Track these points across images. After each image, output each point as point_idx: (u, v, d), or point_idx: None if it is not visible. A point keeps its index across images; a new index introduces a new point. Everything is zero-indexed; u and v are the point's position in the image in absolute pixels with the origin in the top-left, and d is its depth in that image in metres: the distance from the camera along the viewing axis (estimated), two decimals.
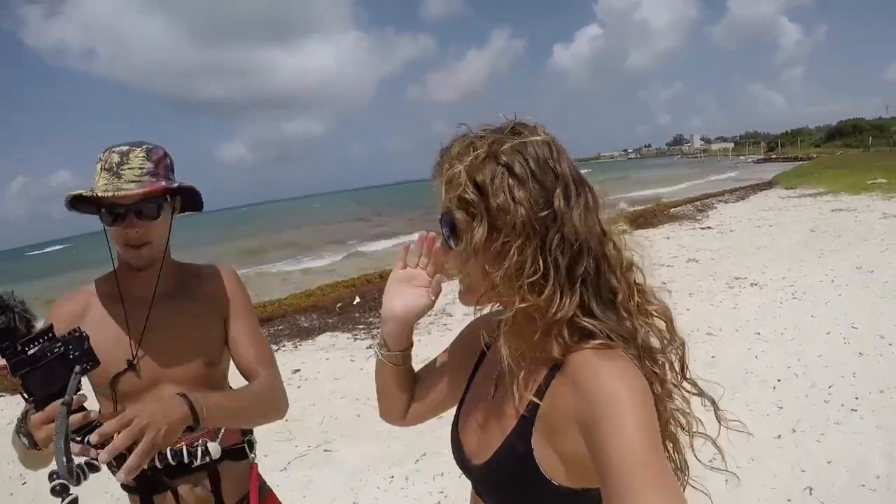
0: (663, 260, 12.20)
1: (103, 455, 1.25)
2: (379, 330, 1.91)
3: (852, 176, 26.45)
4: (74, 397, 1.25)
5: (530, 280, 0.98)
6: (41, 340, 1.28)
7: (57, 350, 1.28)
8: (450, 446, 1.30)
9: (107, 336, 1.70)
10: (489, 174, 0.98)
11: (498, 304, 1.12)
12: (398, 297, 1.25)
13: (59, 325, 1.37)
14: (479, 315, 1.25)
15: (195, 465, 1.71)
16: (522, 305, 1.00)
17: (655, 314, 1.05)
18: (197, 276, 1.90)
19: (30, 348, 1.27)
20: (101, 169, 1.62)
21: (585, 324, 1.01)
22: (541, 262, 0.97)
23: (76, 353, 1.30)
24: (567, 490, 1.01)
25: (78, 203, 1.64)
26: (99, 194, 1.56)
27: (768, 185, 29.85)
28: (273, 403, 1.81)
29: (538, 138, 1.01)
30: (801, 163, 51.36)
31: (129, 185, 1.60)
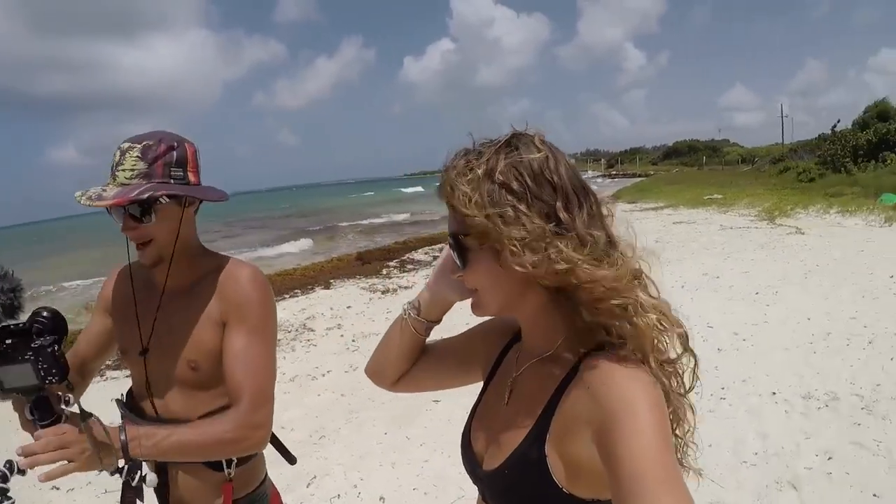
0: None
1: (23, 463, 1.42)
2: None
3: (690, 192, 28.92)
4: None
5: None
6: (16, 338, 1.41)
7: (27, 357, 1.40)
8: (460, 452, 1.32)
9: (123, 323, 1.88)
10: (487, 194, 1.00)
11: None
12: (446, 275, 1.32)
13: (100, 301, 1.97)
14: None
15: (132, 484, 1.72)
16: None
17: (665, 325, 1.04)
18: (215, 272, 1.83)
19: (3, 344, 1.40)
20: (110, 167, 1.67)
21: (598, 331, 1.05)
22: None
23: (44, 365, 1.41)
24: (578, 500, 1.03)
25: None
26: (81, 201, 1.59)
27: (612, 199, 31.91)
28: (235, 445, 1.68)
29: (534, 153, 1.03)
30: (640, 179, 55.35)
31: (113, 190, 1.61)
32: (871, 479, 4.05)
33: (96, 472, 1.52)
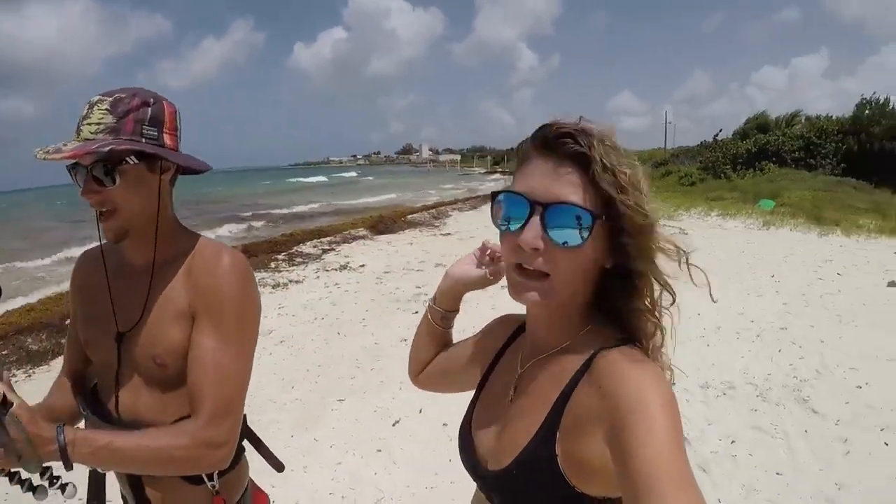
0: (412, 265, 12.90)
1: None
2: None
3: None
4: None
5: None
6: None
7: None
8: (458, 449, 1.31)
9: (92, 307, 1.67)
10: (627, 175, 1.03)
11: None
12: (462, 263, 1.46)
13: (72, 293, 1.75)
14: (505, 315, 1.42)
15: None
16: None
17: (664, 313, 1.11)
18: (189, 253, 1.62)
19: None
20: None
21: (610, 321, 1.12)
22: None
23: None
24: (589, 498, 1.03)
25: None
26: (37, 156, 1.41)
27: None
28: (186, 464, 1.48)
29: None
30: None
31: (71, 145, 1.43)
32: (772, 459, 4.41)
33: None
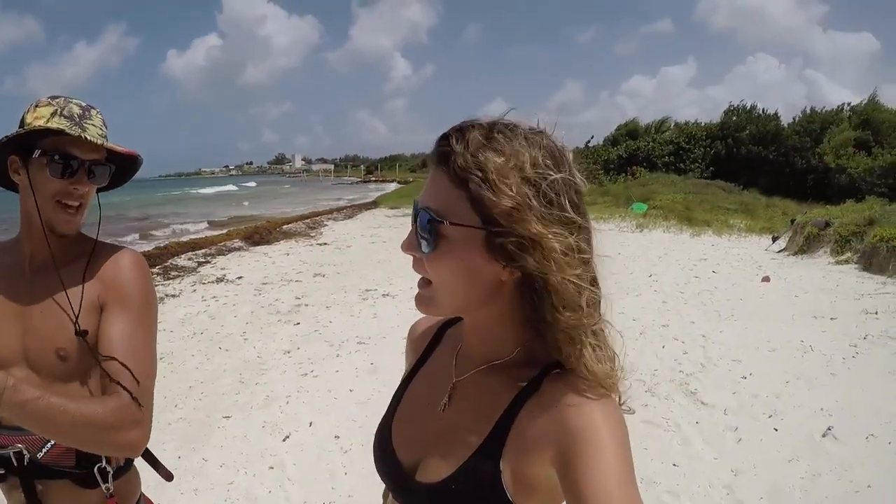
0: (290, 276, 12.79)
1: None
2: None
3: None
4: None
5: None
6: None
7: None
8: (375, 458, 1.23)
9: None
10: (519, 181, 0.96)
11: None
12: None
13: None
14: (419, 318, 1.33)
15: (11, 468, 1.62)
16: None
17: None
18: (91, 252, 1.71)
19: None
20: (57, 115, 1.59)
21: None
22: None
23: None
24: None
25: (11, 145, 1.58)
26: (86, 137, 1.55)
27: (373, 204, 33.34)
28: (108, 434, 1.49)
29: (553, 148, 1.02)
30: (399, 185, 57.10)
31: (99, 140, 1.58)
32: (667, 451, 4.54)
33: None
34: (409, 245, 1.03)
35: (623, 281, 10.46)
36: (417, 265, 1.03)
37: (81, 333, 1.60)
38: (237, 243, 18.11)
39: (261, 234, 19.53)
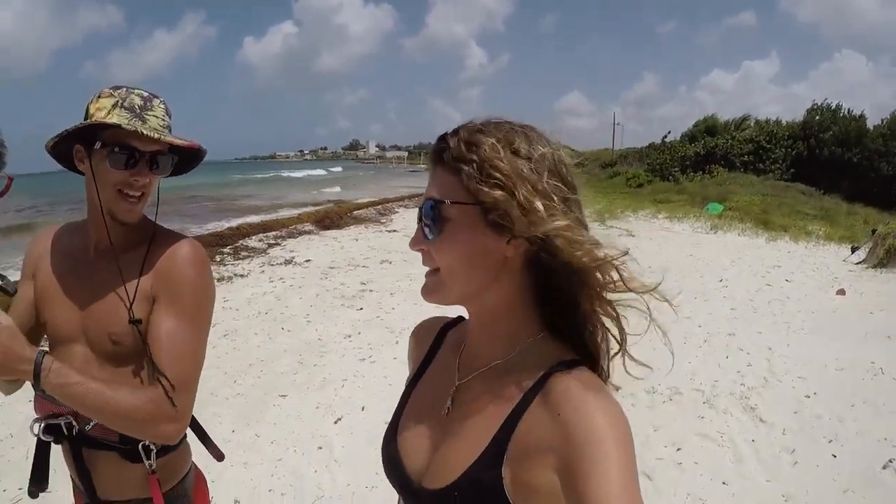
0: (357, 261, 12.89)
1: None
2: None
3: None
4: None
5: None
6: None
7: None
8: (383, 462, 1.24)
9: (52, 286, 1.76)
10: (510, 162, 1.01)
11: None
12: None
13: (30, 256, 1.82)
14: (421, 322, 1.38)
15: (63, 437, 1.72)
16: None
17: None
18: (151, 240, 1.77)
19: None
20: (118, 106, 1.62)
21: (563, 340, 1.06)
22: None
23: None
24: None
25: (71, 137, 1.62)
26: (143, 132, 1.58)
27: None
28: (139, 426, 1.59)
29: (547, 144, 1.07)
30: None
31: (160, 133, 1.63)
32: (718, 467, 4.41)
33: None
34: (416, 240, 1.07)
35: (692, 285, 10.22)
36: (426, 258, 1.07)
37: (135, 322, 1.65)
38: (308, 227, 18.38)
39: (331, 219, 19.78)
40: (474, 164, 0.98)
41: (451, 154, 1.02)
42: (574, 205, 1.02)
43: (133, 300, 1.66)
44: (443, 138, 1.05)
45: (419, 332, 1.39)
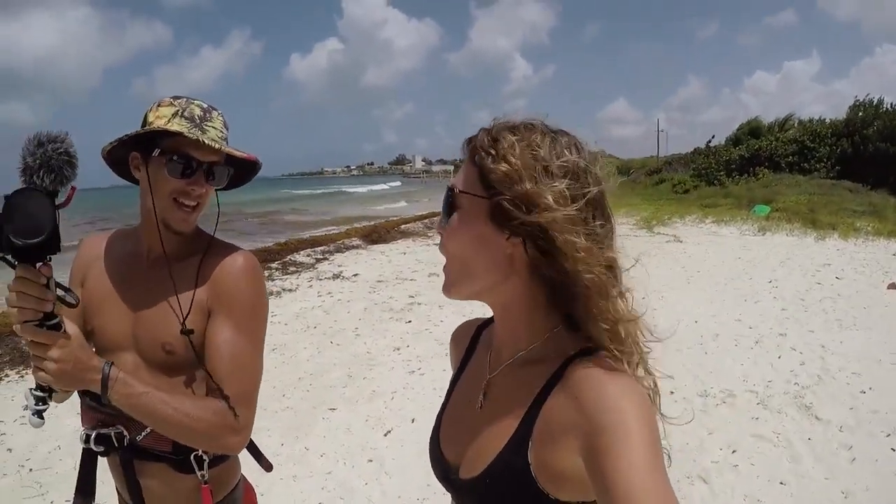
0: (405, 274, 12.92)
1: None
2: None
3: None
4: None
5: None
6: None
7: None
8: (429, 458, 1.29)
9: (102, 293, 1.75)
10: (528, 157, 1.04)
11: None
12: None
13: (79, 261, 1.82)
14: (460, 324, 1.45)
15: (113, 448, 1.70)
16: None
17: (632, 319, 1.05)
18: (206, 251, 1.76)
19: None
20: (178, 115, 1.63)
21: (581, 330, 1.05)
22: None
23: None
24: None
25: (128, 143, 1.64)
26: (205, 140, 1.58)
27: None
28: (204, 438, 1.60)
29: (569, 145, 1.08)
30: None
31: (217, 144, 1.63)
32: (775, 468, 4.32)
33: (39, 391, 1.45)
34: (438, 225, 1.13)
35: (742, 287, 10.13)
36: (441, 245, 1.11)
37: (187, 332, 1.64)
38: (355, 241, 18.43)
39: (379, 233, 19.84)
40: (490, 157, 1.02)
41: (474, 144, 1.07)
42: (589, 215, 1.01)
43: (188, 311, 1.65)
44: (480, 130, 1.08)
45: (457, 336, 1.44)
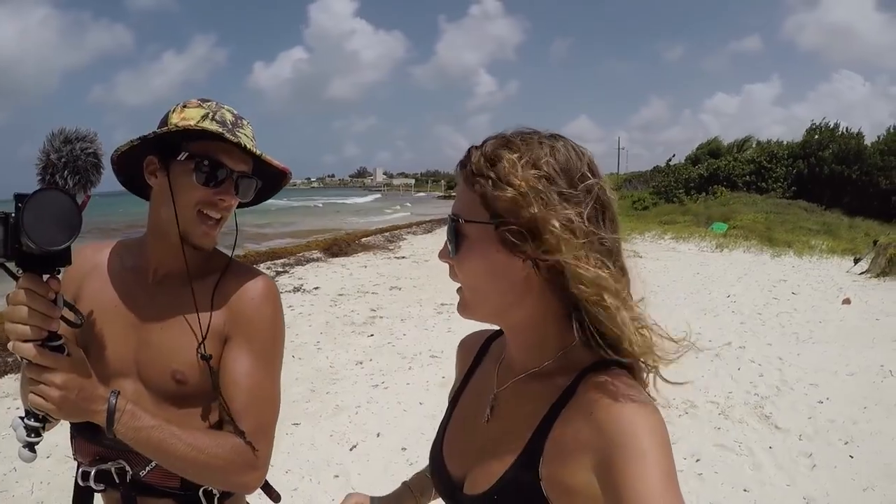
0: (366, 287, 12.88)
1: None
2: None
3: None
4: None
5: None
6: None
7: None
8: (431, 472, 1.26)
9: (102, 311, 1.54)
10: (531, 178, 0.99)
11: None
12: None
13: (72, 272, 1.53)
14: (468, 333, 1.38)
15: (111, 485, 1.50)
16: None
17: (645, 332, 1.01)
18: (223, 273, 1.59)
19: None
20: (208, 118, 1.46)
21: (593, 344, 1.02)
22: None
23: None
24: None
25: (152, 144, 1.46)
26: (245, 144, 1.44)
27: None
28: (219, 475, 1.44)
29: (573, 155, 1.05)
30: None
31: (249, 144, 1.48)
32: (738, 476, 4.40)
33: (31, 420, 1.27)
34: (442, 253, 1.07)
35: (701, 301, 10.31)
36: (451, 272, 1.07)
37: (206, 358, 1.48)
38: (316, 254, 18.33)
39: (340, 246, 19.70)
40: (490, 181, 0.97)
41: (470, 168, 1.01)
42: (599, 220, 0.99)
43: (206, 334, 1.48)
44: (469, 151, 1.04)
45: (465, 345, 1.39)
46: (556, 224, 0.93)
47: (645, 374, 1.04)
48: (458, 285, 1.08)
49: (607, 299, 0.94)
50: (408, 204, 75.13)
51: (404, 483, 1.49)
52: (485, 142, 1.03)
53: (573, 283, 0.94)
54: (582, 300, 0.95)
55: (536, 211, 0.93)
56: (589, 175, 0.99)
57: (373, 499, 1.45)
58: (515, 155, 0.97)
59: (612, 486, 0.85)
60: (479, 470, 1.10)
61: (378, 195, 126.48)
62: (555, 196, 0.95)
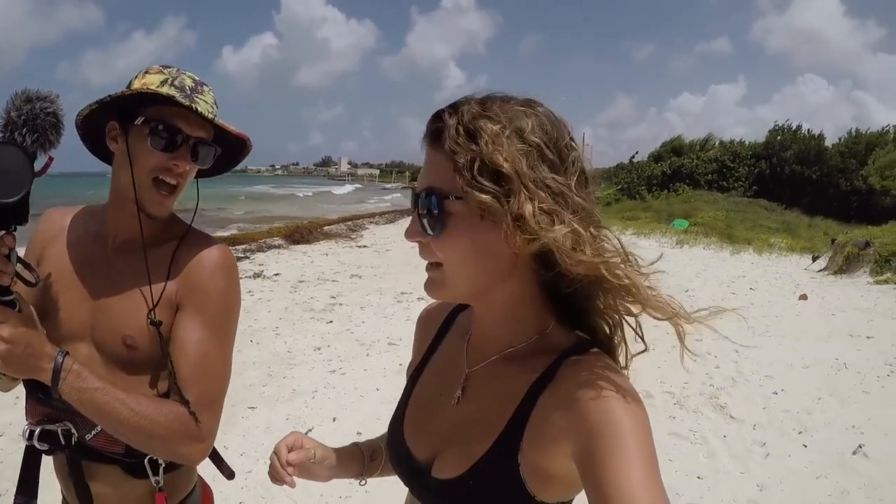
0: (327, 275, 12.83)
1: None
2: None
3: None
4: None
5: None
6: None
7: None
8: (389, 453, 1.22)
9: (59, 275, 1.55)
10: (518, 150, 0.93)
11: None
12: None
13: (39, 235, 1.60)
14: (427, 305, 1.32)
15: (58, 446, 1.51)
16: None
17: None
18: (179, 240, 1.58)
19: None
20: (168, 84, 1.45)
21: (578, 326, 1.02)
22: None
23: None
24: None
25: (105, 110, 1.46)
26: (197, 108, 1.42)
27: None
28: (161, 444, 1.43)
29: (557, 121, 1.00)
30: None
31: (209, 114, 1.47)
32: (692, 464, 4.43)
33: None
34: (413, 232, 0.99)
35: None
36: (424, 250, 0.99)
37: (156, 323, 1.48)
38: (277, 241, 18.19)
39: (301, 234, 19.63)
40: (471, 157, 0.89)
41: (448, 139, 0.92)
42: (585, 191, 0.94)
43: (157, 302, 1.48)
44: (438, 116, 0.96)
45: (425, 319, 1.33)
46: (550, 200, 0.88)
47: (621, 357, 1.02)
48: (426, 264, 1.01)
49: (618, 269, 0.92)
50: (397, 195, 75.65)
51: (355, 443, 1.43)
52: (457, 108, 0.94)
53: (573, 260, 0.88)
54: (585, 274, 0.90)
55: (522, 197, 0.87)
56: (573, 144, 0.95)
57: (320, 445, 1.38)
58: (498, 126, 0.90)
59: (593, 475, 0.84)
60: (449, 453, 1.06)
61: (359, 185, 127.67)
62: (546, 170, 0.90)
